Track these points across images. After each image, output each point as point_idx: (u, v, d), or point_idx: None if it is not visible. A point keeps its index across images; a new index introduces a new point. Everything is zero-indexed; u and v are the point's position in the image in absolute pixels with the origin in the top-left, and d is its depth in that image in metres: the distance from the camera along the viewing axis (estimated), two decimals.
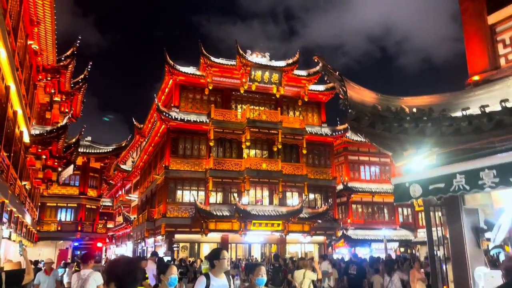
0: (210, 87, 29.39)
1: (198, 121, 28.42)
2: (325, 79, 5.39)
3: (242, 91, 30.01)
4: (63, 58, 19.14)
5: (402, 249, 35.28)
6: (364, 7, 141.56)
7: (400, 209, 36.65)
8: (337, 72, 5.19)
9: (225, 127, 28.57)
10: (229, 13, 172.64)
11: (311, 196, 30.99)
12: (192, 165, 28.46)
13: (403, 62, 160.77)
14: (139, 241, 35.77)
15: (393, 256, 29.99)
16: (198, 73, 29.71)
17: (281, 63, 30.13)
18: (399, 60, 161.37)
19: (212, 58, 29.12)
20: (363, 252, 33.58)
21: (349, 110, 4.95)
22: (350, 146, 36.00)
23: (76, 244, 34.38)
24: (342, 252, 33.08)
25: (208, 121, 28.38)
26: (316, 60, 5.44)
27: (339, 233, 31.96)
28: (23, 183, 17.68)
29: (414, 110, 4.78)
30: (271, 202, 29.34)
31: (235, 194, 28.40)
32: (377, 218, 35.76)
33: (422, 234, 33.04)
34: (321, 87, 32.82)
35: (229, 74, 29.87)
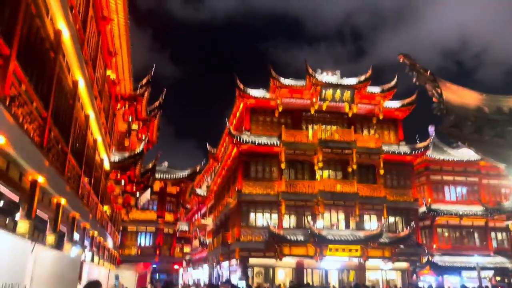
0: (280, 109, 29.13)
1: (269, 143, 28.17)
2: (414, 81, 4.66)
3: (312, 111, 29.35)
4: (139, 87, 19.98)
5: (498, 278, 31.67)
6: (436, 20, 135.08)
7: (493, 233, 33.13)
8: (429, 71, 4.44)
9: (296, 148, 27.99)
10: (295, 37, 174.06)
11: (391, 219, 29.05)
12: (264, 188, 28.09)
13: (483, 76, 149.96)
14: (214, 264, 35.85)
15: (489, 286, 26.97)
16: (267, 95, 29.66)
17: (353, 81, 29.11)
18: (478, 74, 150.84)
19: (282, 80, 28.95)
20: (452, 281, 30.67)
21: (447, 115, 4.16)
22: (431, 165, 33.54)
23: (154, 266, 35.28)
24: (428, 280, 30.45)
25: (279, 143, 28.01)
26: (401, 60, 4.73)
27: (424, 260, 29.48)
28: (105, 208, 18.38)
29: None
30: (347, 226, 27.94)
31: (309, 218, 27.42)
32: (467, 243, 32.58)
33: None
34: (396, 104, 31.15)
35: (298, 94, 29.45)
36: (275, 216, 27.73)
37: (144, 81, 20.56)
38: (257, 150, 28.29)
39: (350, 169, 28.16)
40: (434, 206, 32.20)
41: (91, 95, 12.02)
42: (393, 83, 30.20)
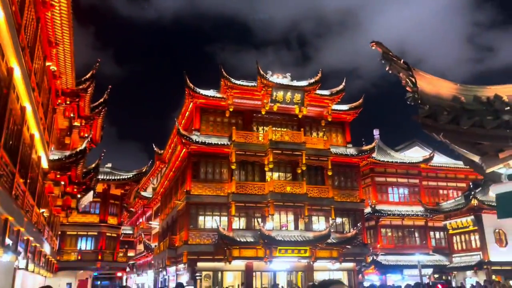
0: (231, 109, 28.75)
1: (219, 143, 27.69)
2: (387, 69, 4.45)
3: (263, 113, 29.23)
4: (82, 81, 18.76)
5: (436, 276, 33.25)
6: (377, 30, 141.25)
7: (432, 233, 34.76)
8: (402, 60, 4.25)
9: (247, 149, 27.72)
10: (243, 41, 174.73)
11: (338, 220, 29.55)
12: (214, 189, 27.54)
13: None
14: (160, 269, 34.66)
15: (430, 283, 28.08)
16: (218, 95, 29.17)
17: (303, 83, 29.37)
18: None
19: (233, 80, 28.60)
20: (394, 279, 31.72)
21: (421, 105, 3.98)
22: (376, 167, 34.64)
23: (96, 274, 33.49)
24: (372, 279, 31.28)
25: (229, 143, 27.61)
26: (373, 47, 4.52)
27: (369, 259, 30.28)
28: (41, 210, 17.01)
29: None
30: (296, 227, 28.05)
31: (259, 219, 27.24)
32: (408, 242, 33.95)
33: (457, 259, 31.04)
34: (344, 107, 31.84)
35: (249, 95, 29.23)
36: (224, 218, 27.24)
37: (88, 75, 19.33)
38: (207, 150, 27.70)
39: (299, 171, 28.30)
40: (379, 207, 33.26)
41: (28, 86, 10.98)
42: (341, 86, 30.84)
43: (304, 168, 28.02)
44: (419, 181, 35.83)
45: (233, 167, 27.33)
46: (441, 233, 34.55)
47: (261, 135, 28.78)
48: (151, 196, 45.29)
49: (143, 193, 47.37)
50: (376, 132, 38.72)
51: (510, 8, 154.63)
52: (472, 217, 29.50)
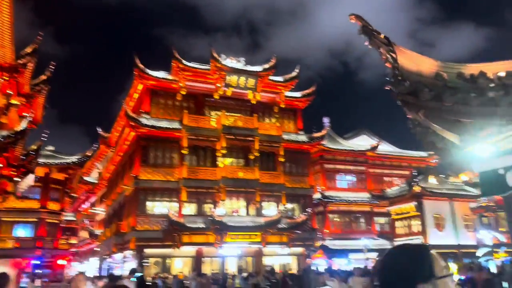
0: (183, 92, 27.96)
1: (170, 127, 26.88)
2: (366, 44, 4.26)
3: (216, 97, 28.73)
4: (22, 55, 17.30)
5: (378, 259, 34.58)
6: (325, 22, 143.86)
7: (376, 218, 36.12)
8: (383, 35, 4.06)
9: (199, 134, 27.16)
10: (192, 26, 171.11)
11: (289, 205, 29.87)
12: (164, 174, 26.78)
13: (363, 76, 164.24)
14: (105, 256, 33.44)
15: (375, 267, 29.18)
16: (169, 77, 28.26)
17: (257, 68, 29.14)
18: (360, 75, 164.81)
19: (185, 62, 27.80)
20: (340, 263, 32.69)
21: (401, 82, 3.82)
22: (326, 154, 35.28)
23: (35, 262, 31.70)
24: (319, 263, 32.03)
25: (180, 127, 26.89)
26: (352, 21, 4.30)
27: (318, 244, 30.94)
28: None
29: (502, 74, 3.67)
30: (248, 213, 28.03)
31: (211, 205, 26.91)
32: (354, 227, 35.05)
33: (399, 243, 32.44)
34: (297, 94, 32.03)
35: (202, 79, 28.58)
36: (175, 203, 26.64)
37: (28, 49, 17.86)
38: (157, 134, 26.81)
39: (252, 157, 28.20)
40: (327, 193, 33.98)
41: None
42: (294, 73, 30.94)
43: (256, 154, 27.95)
44: (366, 168, 37.00)
45: (185, 152, 26.69)
46: (385, 218, 35.98)
47: (213, 120, 28.29)
48: (96, 181, 43.43)
49: (87, 178, 45.28)
50: (326, 120, 39.32)
51: (450, 7, 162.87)
52: (415, 203, 30.91)
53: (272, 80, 30.00)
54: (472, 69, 4.16)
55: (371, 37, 4.05)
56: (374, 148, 36.54)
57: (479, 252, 23.37)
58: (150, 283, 20.42)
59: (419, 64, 4.14)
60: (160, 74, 28.35)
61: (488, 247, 23.34)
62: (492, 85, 3.60)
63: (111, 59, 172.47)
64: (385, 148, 39.32)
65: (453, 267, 17.99)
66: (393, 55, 3.88)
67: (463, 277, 13.88)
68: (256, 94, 29.15)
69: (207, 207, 27.00)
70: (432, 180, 32.26)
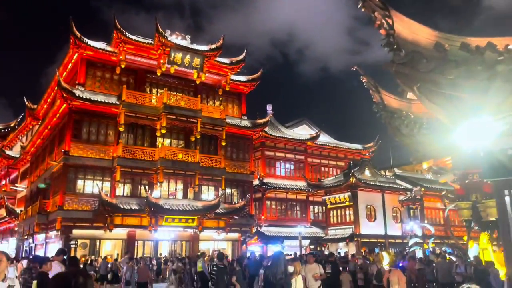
0: (123, 66, 26.26)
1: (107, 102, 25.19)
2: (359, 7, 3.81)
3: (159, 74, 27.34)
4: None
5: (312, 247, 35.45)
6: (269, 11, 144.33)
7: (311, 207, 36.84)
8: None
9: (138, 111, 25.71)
10: (132, 1, 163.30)
11: (228, 191, 29.45)
12: (97, 151, 25.10)
13: (303, 69, 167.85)
14: (26, 237, 30.95)
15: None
16: (109, 49, 26.40)
17: (204, 47, 28.11)
18: (299, 67, 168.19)
19: (127, 34, 26.08)
20: (274, 250, 33.02)
21: (397, 51, 3.41)
22: (267, 141, 35.22)
23: None
24: (254, 249, 32.09)
25: (118, 103, 25.29)
26: None
27: (254, 230, 30.92)
28: None
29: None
30: (185, 196, 27.17)
31: (146, 186, 25.72)
32: (290, 215, 35.48)
33: (332, 232, 33.49)
34: (243, 78, 31.47)
35: (145, 53, 27.05)
36: (108, 183, 25.13)
37: None
38: (91, 108, 25.01)
39: (193, 138, 27.29)
40: (266, 180, 34.01)
41: None
42: (241, 56, 30.31)
43: (198, 136, 27.09)
44: (305, 157, 37.51)
45: (121, 129, 25.16)
46: (320, 207, 36.82)
47: (154, 97, 26.95)
48: (18, 155, 40.00)
49: (8, 152, 41.57)
50: (269, 107, 39.37)
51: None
52: (349, 193, 31.88)
53: (219, 62, 29.14)
54: (476, 41, 3.90)
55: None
56: (314, 138, 37.10)
57: (410, 242, 24.59)
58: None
59: (417, 32, 3.82)
60: (99, 44, 26.40)
61: (418, 237, 24.58)
62: (501, 58, 3.32)
63: (42, 29, 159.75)
64: (324, 139, 40.12)
65: (385, 256, 18.58)
66: (389, 20, 3.48)
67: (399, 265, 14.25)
68: (202, 74, 28.16)
69: (143, 189, 25.78)
70: (367, 172, 33.43)
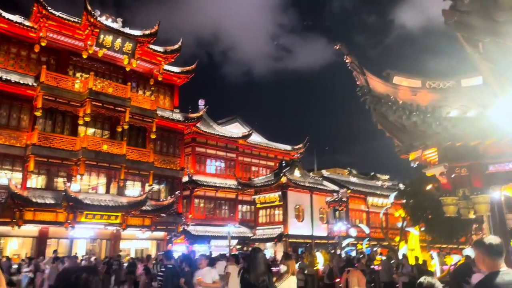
0: (43, 44, 23.59)
1: (22, 83, 22.42)
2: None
3: (85, 56, 25.03)
4: None
5: (238, 247, 34.83)
6: (195, 9, 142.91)
7: (240, 206, 36.24)
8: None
9: (59, 95, 23.22)
10: None
11: (156, 187, 27.77)
12: (7, 137, 22.21)
13: (227, 71, 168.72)
14: None
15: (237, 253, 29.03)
16: (27, 23, 23.54)
17: (137, 32, 26.25)
18: (223, 69, 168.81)
19: (49, 8, 23.43)
20: (200, 250, 31.88)
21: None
22: (199, 137, 33.96)
23: None
24: (177, 249, 30.72)
25: (35, 85, 22.62)
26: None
27: (181, 229, 29.52)
28: None
29: None
30: (108, 191, 25.09)
31: (65, 179, 23.28)
32: (218, 214, 34.55)
33: (261, 232, 33.17)
34: (176, 69, 30.00)
35: (70, 33, 24.57)
36: (18, 173, 22.33)
37: None
38: (2, 88, 22.07)
39: (120, 129, 25.30)
40: (196, 177, 32.75)
41: None
42: (176, 46, 28.84)
43: (126, 127, 25.17)
44: (236, 156, 36.83)
45: (38, 114, 22.52)
46: (249, 206, 36.33)
47: (79, 81, 24.58)
48: None
49: None
50: (201, 103, 38.01)
51: (307, 19, 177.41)
52: (280, 193, 31.77)
53: (152, 49, 27.43)
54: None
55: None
56: (246, 136, 36.57)
57: (344, 242, 24.89)
58: None
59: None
60: (15, 17, 23.43)
61: (352, 238, 24.95)
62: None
63: None
64: (255, 138, 39.77)
65: (319, 256, 18.50)
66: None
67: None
68: (133, 61, 26.25)
69: (60, 181, 23.31)
70: (296, 173, 33.61)
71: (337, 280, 13.10)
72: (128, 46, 25.73)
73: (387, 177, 54.58)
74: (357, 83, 5.45)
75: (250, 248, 33.54)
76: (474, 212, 5.72)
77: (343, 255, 20.80)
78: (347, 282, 7.86)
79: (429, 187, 7.43)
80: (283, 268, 6.41)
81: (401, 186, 41.59)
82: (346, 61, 5.49)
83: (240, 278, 5.33)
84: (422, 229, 18.71)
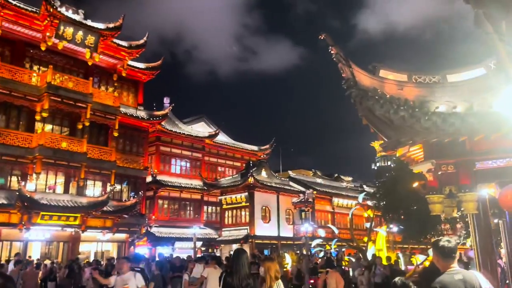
0: None
1: None
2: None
3: (43, 49, 23.63)
4: None
5: (203, 248, 34.17)
6: (159, 7, 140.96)
7: (206, 207, 35.54)
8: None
9: (14, 89, 21.84)
10: None
11: (118, 187, 26.67)
12: None
13: (190, 70, 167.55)
14: None
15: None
16: None
17: (100, 25, 25.13)
18: (186, 68, 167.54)
19: None
20: (164, 252, 30.97)
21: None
22: (163, 136, 33.04)
23: None
24: (138, 252, 29.72)
25: None
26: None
27: (144, 230, 28.51)
28: None
29: None
30: (67, 191, 23.78)
31: (19, 178, 21.87)
32: (183, 215, 33.73)
33: (226, 233, 32.62)
34: (141, 65, 29.01)
35: (27, 23, 23.17)
36: None
37: None
38: None
39: (80, 126, 24.06)
40: (160, 177, 31.83)
41: None
42: (142, 41, 27.89)
43: (87, 124, 23.97)
44: (202, 156, 36.11)
45: None
46: (214, 207, 35.68)
47: (36, 75, 23.23)
48: None
49: None
50: (166, 101, 37.02)
51: (272, 21, 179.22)
52: (246, 193, 31.36)
53: (116, 44, 26.35)
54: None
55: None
56: (213, 136, 35.94)
57: (313, 243, 24.73)
58: None
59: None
60: None
61: (321, 239, 24.87)
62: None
63: None
64: (222, 138, 39.20)
65: (287, 257, 18.24)
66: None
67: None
68: (95, 55, 25.08)
69: (14, 180, 21.90)
70: (263, 173, 33.33)
71: (311, 281, 12.83)
72: (91, 39, 24.56)
73: (350, 178, 55.46)
74: (343, 75, 5.19)
75: (215, 250, 33.05)
76: (458, 211, 5.53)
77: (320, 256, 20.60)
78: (325, 283, 7.52)
79: (415, 184, 7.17)
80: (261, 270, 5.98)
81: (365, 187, 42.34)
82: (331, 52, 5.18)
83: (222, 283, 4.86)
84: (393, 228, 18.84)
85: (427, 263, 15.85)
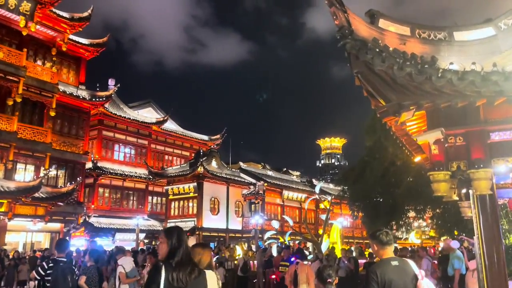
0: None
1: None
2: None
3: None
4: None
5: (146, 241, 32.33)
6: None
7: (150, 197, 33.63)
8: None
9: None
10: None
11: (53, 172, 24.25)
12: None
13: (136, 60, 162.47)
14: None
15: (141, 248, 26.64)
16: None
17: None
18: (132, 57, 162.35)
19: None
20: (103, 243, 28.88)
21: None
22: (106, 119, 30.75)
23: None
24: (77, 243, 27.43)
25: None
26: None
27: (81, 220, 26.26)
28: None
29: None
30: None
31: None
32: (125, 205, 31.62)
33: (172, 225, 30.93)
34: (84, 40, 26.64)
35: None
36: None
37: None
38: None
39: (11, 102, 21.45)
40: (101, 164, 29.59)
41: None
42: (86, 14, 25.52)
43: (18, 100, 21.47)
44: (148, 143, 34.09)
45: None
46: (160, 198, 33.87)
47: None
48: None
49: None
50: (111, 82, 34.56)
51: (222, 14, 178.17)
52: (195, 184, 29.90)
53: (56, 14, 23.84)
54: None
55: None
56: (161, 122, 34.04)
57: (266, 235, 23.74)
58: None
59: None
60: None
61: (275, 231, 23.92)
62: None
63: None
64: (170, 126, 37.35)
65: (238, 249, 17.16)
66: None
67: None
68: (31, 24, 22.44)
69: None
70: (214, 164, 32.01)
71: (273, 276, 11.79)
72: (26, 5, 21.91)
73: (298, 173, 55.45)
74: (336, 22, 4.20)
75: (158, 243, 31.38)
76: (462, 192, 4.68)
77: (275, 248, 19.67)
78: (296, 274, 6.47)
79: (417, 159, 6.22)
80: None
81: (314, 181, 42.26)
82: None
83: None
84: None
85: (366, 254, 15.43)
